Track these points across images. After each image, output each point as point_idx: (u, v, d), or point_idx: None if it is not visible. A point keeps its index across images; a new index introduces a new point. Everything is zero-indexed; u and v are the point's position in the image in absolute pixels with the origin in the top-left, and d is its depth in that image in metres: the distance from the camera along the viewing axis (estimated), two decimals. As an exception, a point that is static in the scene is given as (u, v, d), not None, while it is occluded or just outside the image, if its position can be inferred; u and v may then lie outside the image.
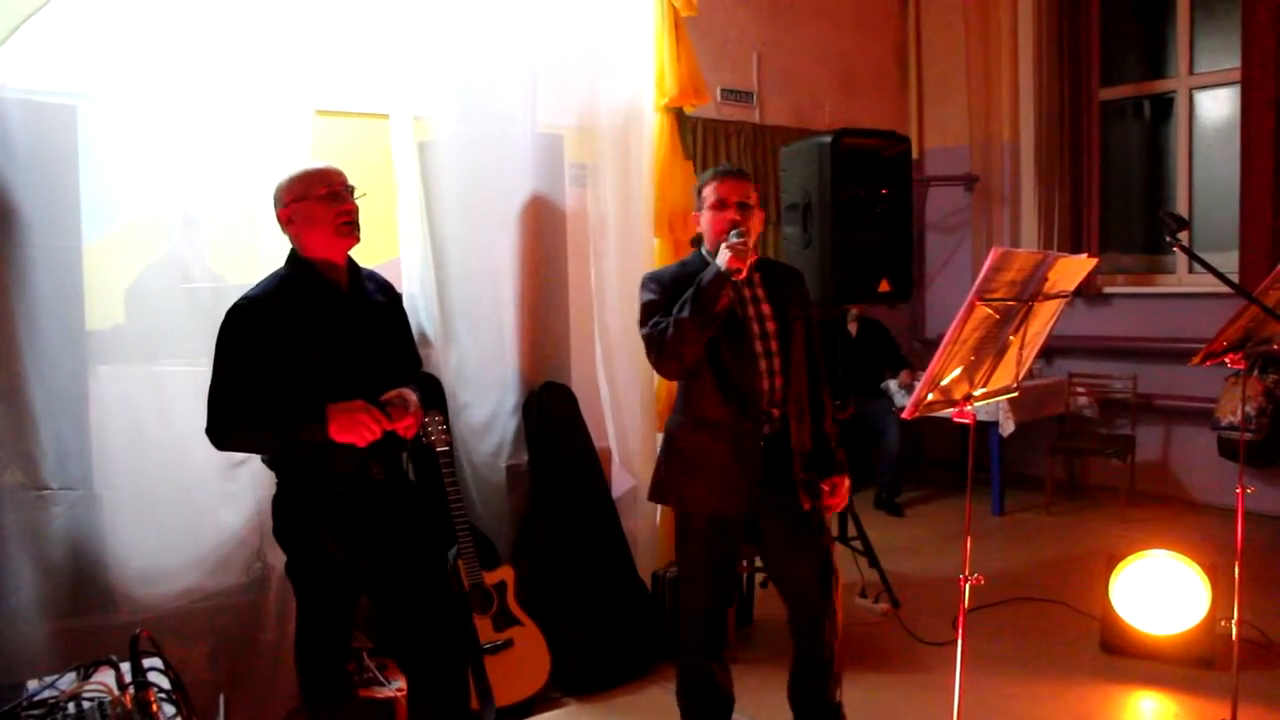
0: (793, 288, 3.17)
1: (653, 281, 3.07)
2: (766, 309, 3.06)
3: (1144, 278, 7.16)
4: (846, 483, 3.14)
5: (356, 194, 2.81)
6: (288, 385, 2.67)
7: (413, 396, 2.81)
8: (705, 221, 3.09)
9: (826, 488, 3.07)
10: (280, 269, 2.83)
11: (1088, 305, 7.03)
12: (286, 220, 2.79)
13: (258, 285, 2.79)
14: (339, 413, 2.64)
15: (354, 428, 2.64)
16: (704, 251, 3.13)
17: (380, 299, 2.96)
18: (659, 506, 4.52)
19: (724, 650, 3.31)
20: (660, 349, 2.92)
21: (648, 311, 3.01)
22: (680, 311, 2.87)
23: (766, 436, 3.02)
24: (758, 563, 4.39)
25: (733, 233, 2.92)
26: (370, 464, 2.78)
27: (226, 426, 2.68)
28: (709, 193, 3.08)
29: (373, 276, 2.98)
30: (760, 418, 3.01)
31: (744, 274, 2.88)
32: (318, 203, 2.73)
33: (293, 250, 2.83)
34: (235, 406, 2.66)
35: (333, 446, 2.66)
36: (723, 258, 2.86)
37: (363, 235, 2.83)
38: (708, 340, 2.92)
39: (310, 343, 2.72)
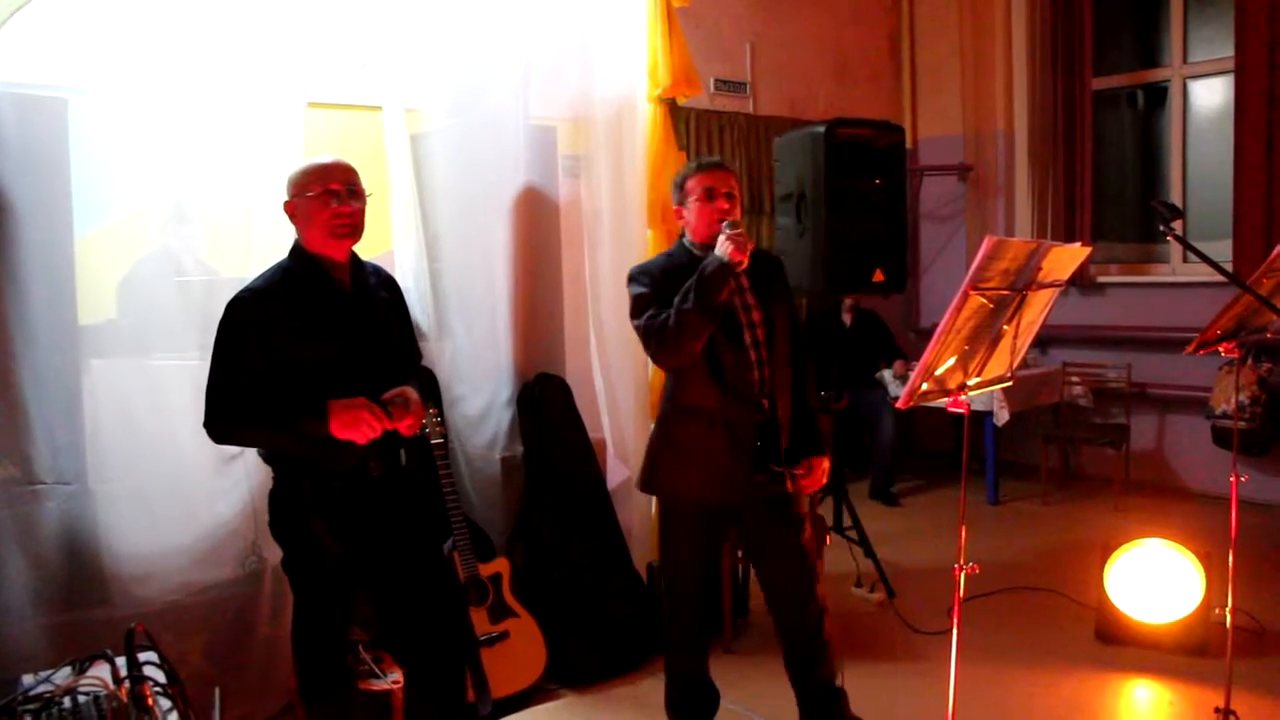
0: (774, 276, 3.18)
1: (642, 274, 3.07)
2: (751, 299, 3.07)
3: (1138, 267, 7.17)
4: (824, 463, 3.16)
5: (365, 194, 2.79)
6: (287, 379, 2.66)
7: (414, 395, 2.80)
8: (692, 213, 3.08)
9: (801, 470, 3.10)
10: (282, 260, 2.81)
11: (1082, 294, 7.04)
12: (290, 213, 2.77)
13: (259, 277, 2.77)
14: (341, 409, 2.62)
15: (355, 425, 2.63)
16: (687, 243, 3.13)
17: (383, 294, 2.94)
18: (653, 497, 4.52)
19: (715, 641, 3.33)
20: (662, 341, 2.92)
21: (640, 304, 3.01)
22: (683, 303, 2.87)
23: (759, 425, 3.04)
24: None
25: (726, 224, 2.93)
26: (369, 460, 2.77)
27: (225, 420, 2.67)
28: (694, 185, 3.08)
29: (376, 271, 2.96)
30: (752, 407, 3.03)
31: (745, 264, 2.88)
32: (310, 201, 2.71)
33: (296, 241, 2.81)
34: (234, 400, 2.65)
35: (332, 443, 2.65)
36: (724, 248, 2.86)
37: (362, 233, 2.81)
38: None
39: (310, 336, 2.70)
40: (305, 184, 2.72)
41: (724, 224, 2.93)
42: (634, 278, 3.08)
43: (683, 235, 3.17)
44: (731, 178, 3.10)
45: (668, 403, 3.16)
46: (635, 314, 3.02)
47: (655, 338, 2.93)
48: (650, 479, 3.19)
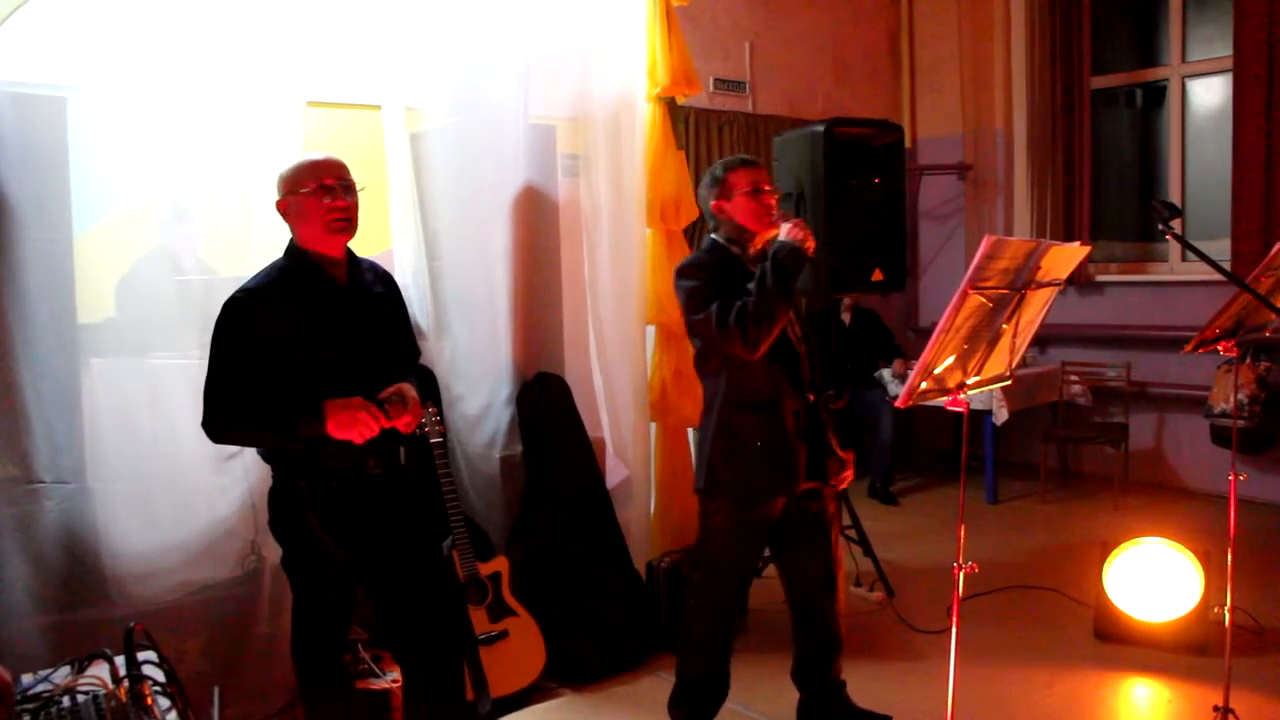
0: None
1: (694, 269, 3.11)
2: None
3: (1136, 266, 7.17)
4: (851, 458, 3.29)
5: (357, 188, 2.79)
6: (284, 378, 2.65)
7: (411, 392, 2.79)
8: (737, 208, 3.13)
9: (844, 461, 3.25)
10: (278, 260, 2.80)
11: (1080, 293, 7.03)
12: (283, 211, 2.76)
13: (255, 276, 2.76)
14: (337, 409, 2.62)
15: (352, 425, 2.62)
16: (718, 238, 3.18)
17: (379, 290, 2.93)
18: (652, 496, 4.53)
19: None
20: (744, 328, 2.93)
21: (699, 297, 3.03)
22: (764, 285, 2.92)
23: (813, 420, 3.13)
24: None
25: (781, 214, 3.05)
26: (367, 459, 2.77)
27: (222, 420, 2.67)
28: (739, 180, 3.13)
29: (373, 268, 2.95)
30: (804, 400, 3.11)
31: (813, 247, 2.99)
32: (306, 198, 2.69)
33: (291, 240, 2.80)
34: (231, 400, 2.64)
35: (329, 442, 2.64)
36: (793, 234, 2.97)
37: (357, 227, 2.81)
38: None
39: (307, 335, 2.69)
40: (298, 181, 2.71)
41: (780, 214, 3.04)
42: (685, 273, 3.11)
43: (712, 234, 3.21)
44: (769, 175, 3.22)
45: (722, 401, 3.15)
46: (696, 307, 3.03)
47: (739, 325, 2.93)
48: (714, 478, 3.17)
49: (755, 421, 3.10)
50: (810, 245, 2.98)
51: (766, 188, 3.12)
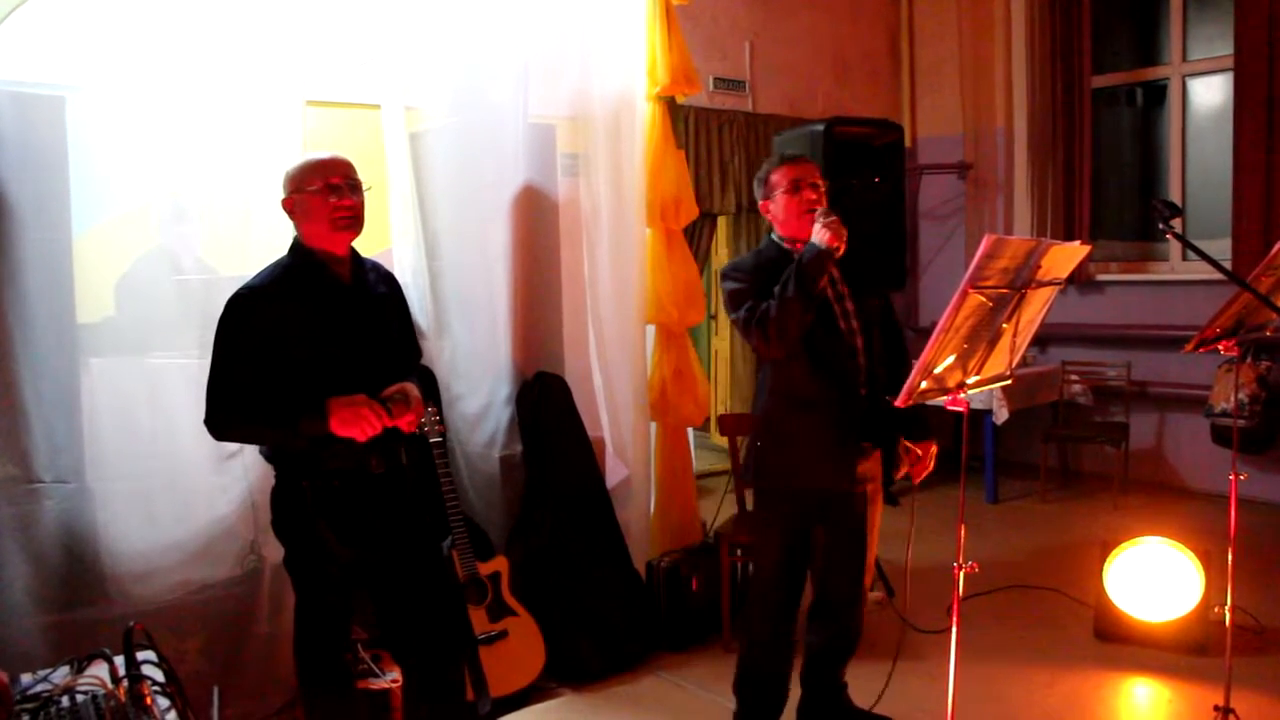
0: (864, 269, 3.23)
1: (735, 271, 3.13)
2: (844, 288, 3.14)
3: (1137, 265, 7.16)
4: (929, 448, 3.34)
5: (364, 188, 2.78)
6: (287, 376, 2.65)
7: (414, 391, 2.80)
8: (779, 206, 3.13)
9: (919, 451, 3.28)
10: (282, 258, 2.80)
11: (1081, 293, 7.03)
12: (289, 209, 2.76)
13: (258, 274, 2.76)
14: (340, 406, 2.62)
15: (355, 422, 2.62)
16: (775, 237, 3.19)
17: (382, 290, 2.93)
18: (652, 496, 4.53)
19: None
20: (765, 330, 2.96)
21: (737, 298, 3.06)
22: (785, 291, 2.92)
23: (864, 414, 3.12)
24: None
25: (820, 212, 2.98)
26: (369, 458, 2.77)
27: (225, 418, 2.67)
28: (779, 178, 3.12)
29: (375, 267, 2.95)
30: (856, 395, 3.10)
31: (842, 250, 2.94)
32: (312, 196, 2.69)
33: (295, 238, 2.80)
34: (234, 397, 2.64)
35: (332, 440, 2.64)
36: (821, 236, 2.92)
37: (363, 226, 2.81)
38: None
39: (311, 333, 2.69)
40: (306, 179, 2.71)
41: (818, 212, 2.98)
42: (727, 275, 3.14)
43: (770, 232, 3.22)
44: (816, 170, 3.15)
45: (770, 395, 3.19)
46: (733, 308, 3.08)
47: (758, 327, 2.97)
48: (762, 471, 3.21)
49: (797, 414, 3.12)
50: (837, 244, 2.92)
51: (808, 182, 3.09)
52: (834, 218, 2.93)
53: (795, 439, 3.12)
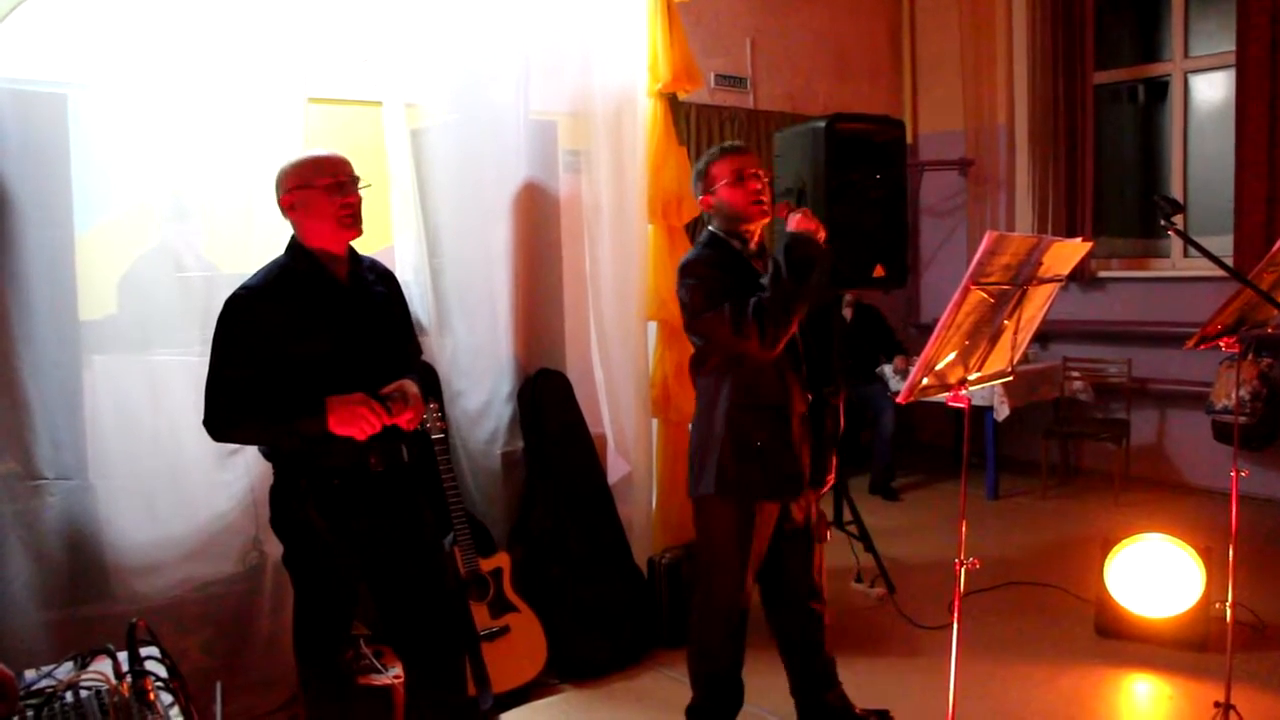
0: None
1: (699, 265, 3.01)
2: None
3: (1138, 262, 7.17)
4: (835, 459, 3.24)
5: (360, 185, 2.78)
6: (286, 376, 2.65)
7: (413, 388, 2.79)
8: (724, 197, 3.04)
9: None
10: (279, 257, 2.79)
11: (1082, 289, 7.03)
12: (288, 206, 2.74)
13: (256, 274, 2.75)
14: (338, 405, 2.61)
15: (353, 421, 2.62)
16: (715, 230, 3.10)
17: (380, 289, 2.92)
18: (654, 492, 4.53)
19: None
20: (763, 327, 2.83)
21: (704, 294, 2.94)
22: (781, 282, 2.84)
23: (815, 419, 3.09)
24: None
25: (786, 204, 2.98)
26: (369, 456, 2.77)
27: (224, 418, 2.67)
28: (722, 169, 3.04)
29: (374, 266, 2.95)
30: (802, 399, 3.06)
31: (824, 235, 2.92)
32: (321, 193, 2.69)
33: (293, 237, 2.79)
34: (233, 398, 2.64)
35: (331, 439, 2.64)
36: (800, 224, 2.91)
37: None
38: None
39: (309, 333, 2.69)
40: (311, 176, 2.70)
41: (788, 204, 2.97)
42: (689, 270, 3.02)
43: (708, 224, 3.13)
44: (758, 160, 3.08)
45: (730, 402, 3.03)
46: (702, 306, 2.95)
47: (756, 323, 2.84)
48: (723, 479, 3.04)
49: (765, 423, 3.01)
50: (822, 235, 2.90)
51: (752, 172, 3.01)
52: (806, 208, 2.93)
53: (764, 447, 3.01)
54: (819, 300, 3.20)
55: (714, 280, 2.95)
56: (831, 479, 3.23)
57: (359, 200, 2.75)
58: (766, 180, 3.06)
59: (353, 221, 2.73)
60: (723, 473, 3.03)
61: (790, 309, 2.86)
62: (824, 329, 3.22)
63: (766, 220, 3.07)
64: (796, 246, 2.89)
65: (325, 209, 2.69)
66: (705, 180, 3.09)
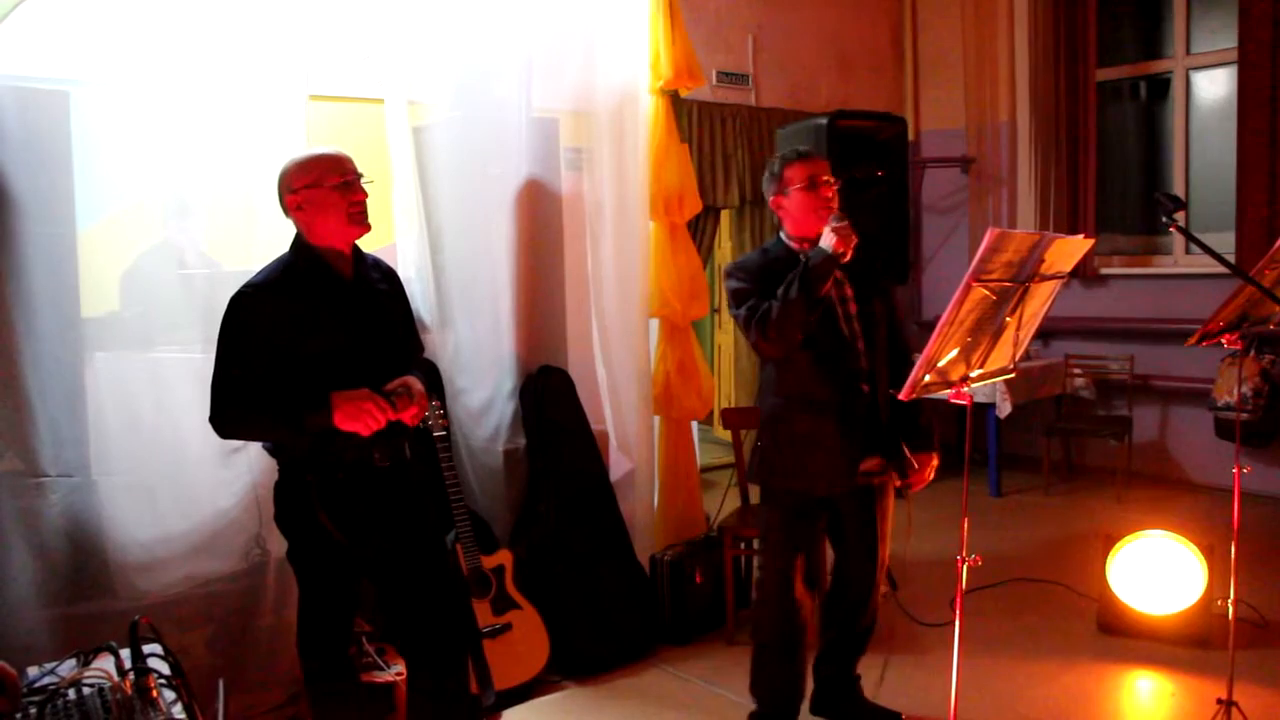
0: (869, 270, 3.20)
1: (739, 270, 3.11)
2: (849, 290, 3.11)
3: (1140, 259, 7.16)
4: (934, 461, 3.27)
5: (364, 181, 2.78)
6: (291, 373, 2.65)
7: (417, 384, 2.79)
8: (794, 204, 3.08)
9: (916, 464, 3.19)
10: (284, 255, 2.79)
11: (1084, 286, 7.03)
12: (295, 206, 2.72)
13: (260, 272, 2.75)
14: (344, 401, 2.62)
15: (359, 416, 2.62)
16: (785, 236, 3.16)
17: (383, 286, 2.93)
18: (656, 489, 4.54)
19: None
20: (764, 329, 2.95)
21: (740, 297, 3.05)
22: (787, 293, 2.90)
23: (865, 415, 3.10)
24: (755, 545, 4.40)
25: (833, 216, 2.96)
26: (373, 452, 2.77)
27: (230, 415, 2.67)
28: (794, 174, 3.07)
29: (377, 264, 2.95)
30: (859, 396, 3.09)
31: (849, 256, 2.92)
32: (332, 191, 2.69)
33: (297, 236, 2.78)
34: (238, 394, 2.64)
35: (336, 435, 2.65)
36: (828, 240, 2.90)
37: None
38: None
39: (313, 330, 2.69)
40: (321, 175, 2.70)
41: (831, 216, 2.96)
42: (731, 274, 3.12)
43: (779, 230, 3.19)
44: (829, 166, 3.11)
45: (773, 396, 3.17)
46: (735, 306, 3.07)
47: (758, 327, 2.96)
48: (770, 473, 3.19)
49: (804, 417, 3.10)
50: (844, 249, 2.90)
51: (825, 179, 3.05)
52: (845, 223, 2.91)
53: (801, 440, 3.11)
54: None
55: (748, 283, 3.05)
56: (919, 478, 3.23)
57: (366, 197, 2.76)
58: (836, 187, 3.10)
59: (362, 218, 2.74)
60: (767, 461, 3.18)
61: (790, 321, 2.91)
62: (895, 328, 3.27)
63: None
64: (814, 262, 2.91)
65: (337, 207, 2.69)
66: (779, 182, 3.11)
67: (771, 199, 3.16)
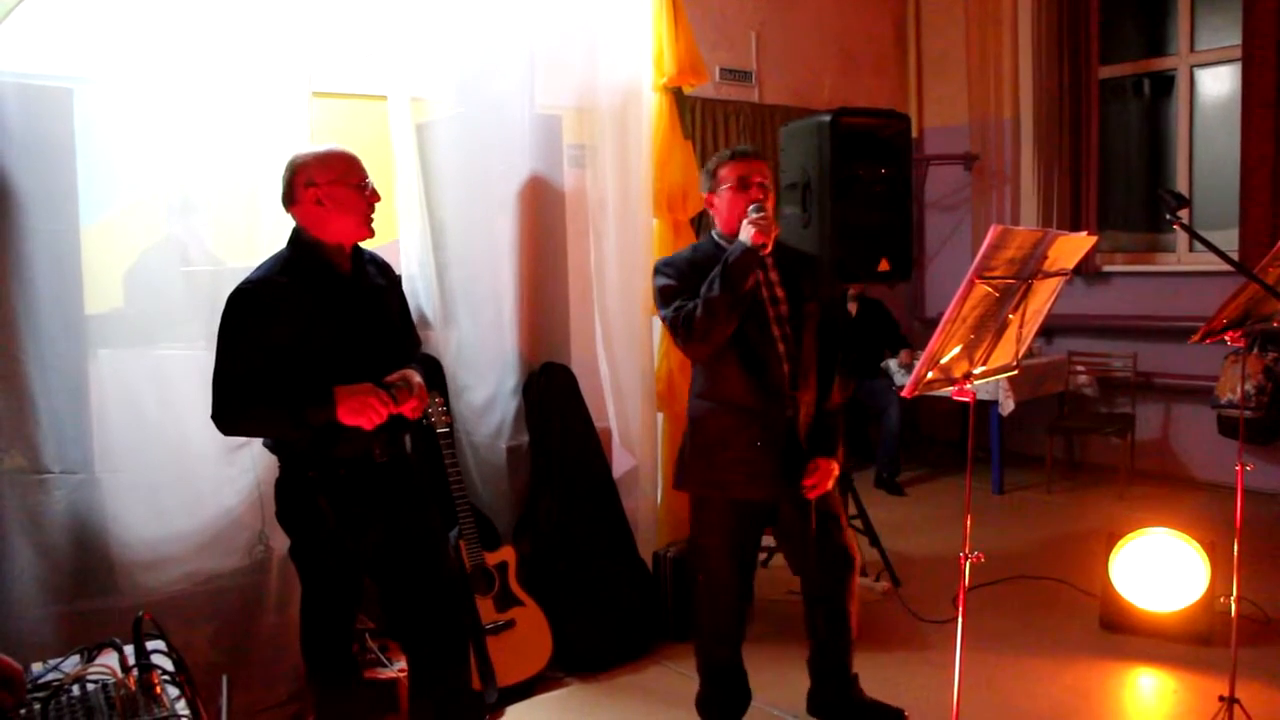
0: (805, 272, 3.17)
1: (667, 266, 3.08)
2: (780, 292, 3.07)
3: (1144, 256, 7.15)
4: (828, 466, 3.08)
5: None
6: (291, 368, 2.66)
7: (416, 378, 2.80)
8: (723, 202, 3.08)
9: (808, 475, 3.05)
10: (282, 250, 2.79)
11: (1087, 283, 7.03)
12: (314, 200, 2.69)
13: (259, 268, 2.76)
14: (347, 395, 2.62)
15: (362, 410, 2.62)
16: (716, 235, 3.14)
17: (380, 281, 2.94)
18: (659, 486, 4.53)
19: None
20: (690, 331, 2.91)
21: (666, 296, 3.02)
22: (709, 291, 2.87)
23: (788, 421, 3.04)
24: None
25: (752, 207, 2.93)
26: (373, 446, 2.78)
27: (232, 411, 2.67)
28: (727, 173, 3.07)
29: (373, 259, 2.95)
30: (783, 401, 3.03)
31: (769, 247, 2.90)
32: (355, 191, 2.71)
33: (295, 231, 2.78)
34: (240, 391, 2.65)
35: (338, 430, 2.65)
36: (746, 233, 2.88)
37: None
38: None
39: (314, 325, 2.69)
40: (349, 173, 2.71)
41: (749, 208, 2.93)
42: (659, 270, 3.09)
43: (711, 229, 3.17)
44: (765, 167, 3.09)
45: (697, 398, 3.13)
46: (662, 305, 3.03)
47: (683, 327, 2.93)
48: (684, 476, 3.18)
49: (723, 421, 3.06)
50: (763, 241, 2.86)
51: (755, 180, 3.02)
52: (764, 214, 2.89)
53: (717, 445, 3.06)
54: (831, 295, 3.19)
55: (675, 280, 3.02)
56: (812, 482, 3.06)
57: (379, 201, 2.80)
58: (771, 190, 3.08)
59: (372, 223, 2.78)
60: (680, 462, 3.19)
61: (714, 320, 2.88)
62: (828, 333, 3.17)
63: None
64: (732, 259, 2.88)
65: (357, 207, 2.72)
66: (713, 180, 3.13)
67: (705, 196, 3.16)
